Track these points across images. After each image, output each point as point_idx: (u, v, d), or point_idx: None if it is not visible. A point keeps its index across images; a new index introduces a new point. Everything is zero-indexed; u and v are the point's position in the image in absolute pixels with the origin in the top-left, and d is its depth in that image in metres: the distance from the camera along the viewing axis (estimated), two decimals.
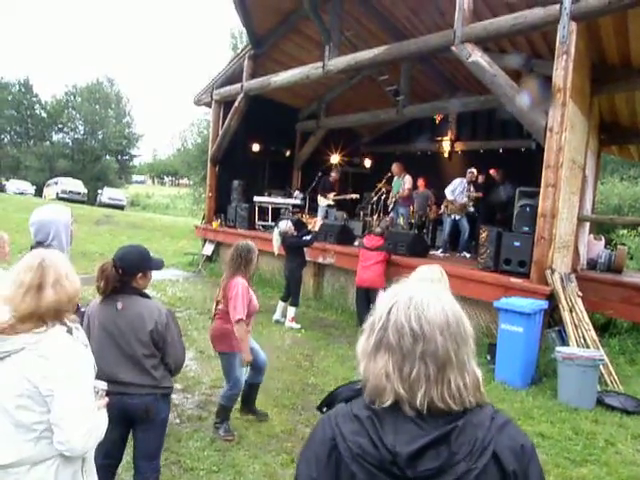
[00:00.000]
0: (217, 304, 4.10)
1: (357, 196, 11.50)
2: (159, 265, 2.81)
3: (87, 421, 1.74)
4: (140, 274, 2.66)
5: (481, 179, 10.56)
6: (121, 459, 2.81)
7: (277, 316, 7.64)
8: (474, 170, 9.81)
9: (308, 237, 7.73)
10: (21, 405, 1.67)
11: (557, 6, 5.84)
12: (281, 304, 7.71)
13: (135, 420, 2.58)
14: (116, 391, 2.47)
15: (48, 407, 1.69)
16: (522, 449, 0.98)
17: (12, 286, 1.71)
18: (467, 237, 9.65)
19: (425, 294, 1.04)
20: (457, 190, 9.50)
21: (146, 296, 2.68)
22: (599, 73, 7.71)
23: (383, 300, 1.08)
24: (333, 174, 11.58)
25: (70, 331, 1.83)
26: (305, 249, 7.86)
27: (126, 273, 2.59)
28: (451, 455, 0.94)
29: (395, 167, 10.59)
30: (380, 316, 1.04)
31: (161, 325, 2.54)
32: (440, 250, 9.63)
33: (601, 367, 5.39)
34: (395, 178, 10.61)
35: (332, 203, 11.37)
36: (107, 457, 2.62)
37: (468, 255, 9.52)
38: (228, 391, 4.03)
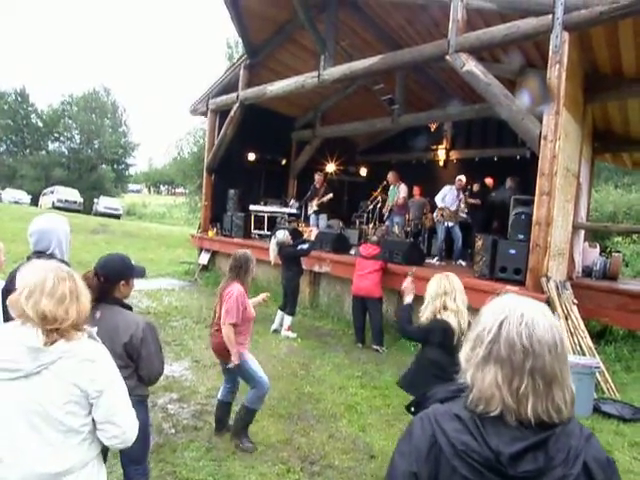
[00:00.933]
0: (215, 314, 4.06)
1: (331, 195, 11.31)
2: (141, 272, 2.79)
3: (131, 411, 1.86)
4: (122, 282, 2.66)
5: (477, 187, 10.58)
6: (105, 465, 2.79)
7: (275, 325, 7.60)
8: (462, 178, 9.76)
9: (305, 246, 7.73)
10: (69, 411, 1.70)
11: (549, 16, 5.90)
12: (279, 313, 7.67)
13: None
14: None
15: (90, 409, 1.75)
16: (607, 462, 1.06)
17: (49, 300, 1.68)
18: (461, 245, 9.65)
19: (535, 312, 1.09)
20: (447, 197, 9.53)
21: (127, 307, 2.67)
22: (592, 82, 7.78)
23: (491, 313, 1.13)
24: (317, 177, 11.53)
25: (91, 335, 1.87)
26: (302, 258, 7.86)
27: (108, 281, 2.59)
28: (549, 460, 1.01)
29: (391, 176, 10.65)
30: (490, 329, 1.10)
31: (136, 339, 2.52)
32: (436, 259, 9.64)
33: (597, 375, 5.40)
34: (391, 187, 10.66)
35: (316, 208, 11.35)
36: None
37: (464, 263, 9.52)
38: (256, 393, 3.97)
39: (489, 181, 10.89)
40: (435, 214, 9.77)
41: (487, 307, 1.14)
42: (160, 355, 2.69)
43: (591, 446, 1.04)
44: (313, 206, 11.30)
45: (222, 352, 3.94)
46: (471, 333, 1.14)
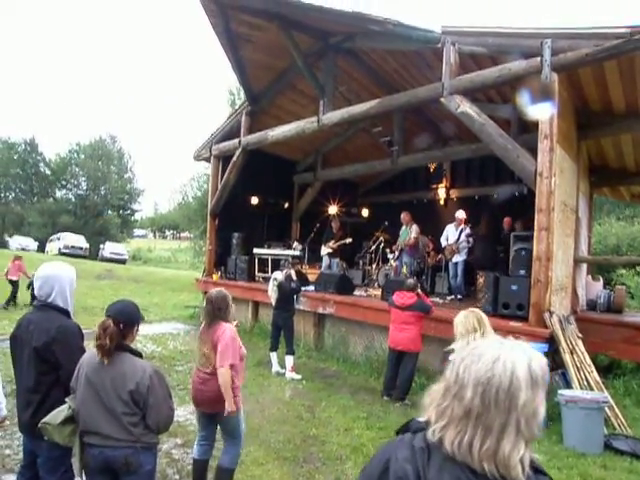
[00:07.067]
0: (206, 359, 3.62)
1: (350, 240, 11.49)
2: (142, 316, 2.85)
3: None
4: (136, 327, 2.69)
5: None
6: None
7: (276, 368, 7.54)
8: (459, 214, 9.76)
9: (295, 285, 7.76)
10: None
11: (538, 58, 6.13)
12: (274, 355, 7.62)
13: (118, 472, 2.54)
14: (97, 443, 2.51)
15: None
16: None
17: None
18: (460, 281, 9.63)
19: (515, 356, 1.06)
20: (450, 236, 9.66)
21: (138, 354, 2.67)
22: (584, 119, 7.96)
23: (461, 354, 1.12)
24: (334, 224, 11.77)
25: None
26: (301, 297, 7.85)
27: (127, 327, 2.60)
28: None
29: (404, 216, 10.53)
30: (457, 371, 1.09)
31: (142, 386, 2.50)
32: (449, 298, 9.59)
33: (607, 410, 5.30)
34: (403, 227, 10.59)
35: (331, 251, 11.47)
36: None
37: (460, 296, 9.53)
38: (235, 450, 3.64)
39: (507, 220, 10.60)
40: (447, 253, 9.79)
41: (465, 351, 1.12)
42: (169, 402, 2.65)
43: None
44: (328, 248, 11.45)
45: (215, 402, 3.50)
46: (448, 372, 1.12)
